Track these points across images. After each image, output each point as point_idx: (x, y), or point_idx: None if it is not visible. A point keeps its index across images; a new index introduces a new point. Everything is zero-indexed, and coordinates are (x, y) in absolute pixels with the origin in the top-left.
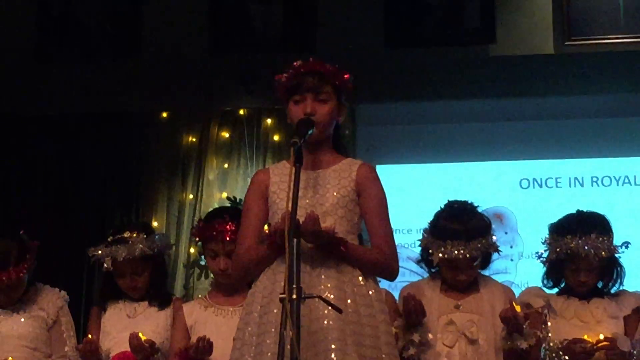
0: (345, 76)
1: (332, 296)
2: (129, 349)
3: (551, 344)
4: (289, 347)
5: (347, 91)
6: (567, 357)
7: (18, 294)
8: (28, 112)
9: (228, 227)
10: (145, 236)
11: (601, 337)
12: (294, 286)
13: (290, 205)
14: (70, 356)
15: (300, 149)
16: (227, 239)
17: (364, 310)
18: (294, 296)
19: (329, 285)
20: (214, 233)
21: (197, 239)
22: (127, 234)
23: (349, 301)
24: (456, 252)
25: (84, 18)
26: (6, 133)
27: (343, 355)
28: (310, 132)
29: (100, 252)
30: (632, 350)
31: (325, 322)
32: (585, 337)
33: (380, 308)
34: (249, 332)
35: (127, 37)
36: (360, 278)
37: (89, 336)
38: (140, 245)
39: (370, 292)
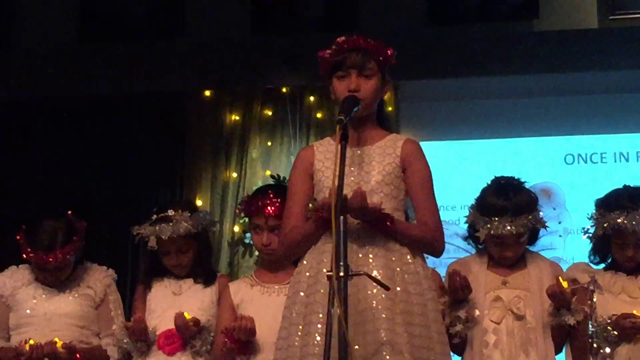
0: (389, 52)
1: (379, 275)
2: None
3: (599, 320)
4: (336, 326)
5: (391, 67)
6: (616, 332)
7: (65, 274)
8: (72, 94)
9: (271, 201)
10: (189, 214)
11: None
12: (341, 264)
13: (336, 182)
14: (118, 334)
15: (346, 127)
16: (271, 213)
17: (413, 288)
18: (342, 274)
19: (376, 263)
20: (257, 207)
21: (243, 214)
22: (171, 212)
23: (397, 279)
24: (503, 228)
25: None
26: (50, 115)
27: (392, 335)
28: (355, 109)
29: (144, 230)
30: None
31: (374, 301)
32: (635, 312)
33: (428, 286)
34: (296, 311)
35: (170, 17)
36: (409, 256)
37: (138, 314)
38: (185, 224)
39: (418, 270)
